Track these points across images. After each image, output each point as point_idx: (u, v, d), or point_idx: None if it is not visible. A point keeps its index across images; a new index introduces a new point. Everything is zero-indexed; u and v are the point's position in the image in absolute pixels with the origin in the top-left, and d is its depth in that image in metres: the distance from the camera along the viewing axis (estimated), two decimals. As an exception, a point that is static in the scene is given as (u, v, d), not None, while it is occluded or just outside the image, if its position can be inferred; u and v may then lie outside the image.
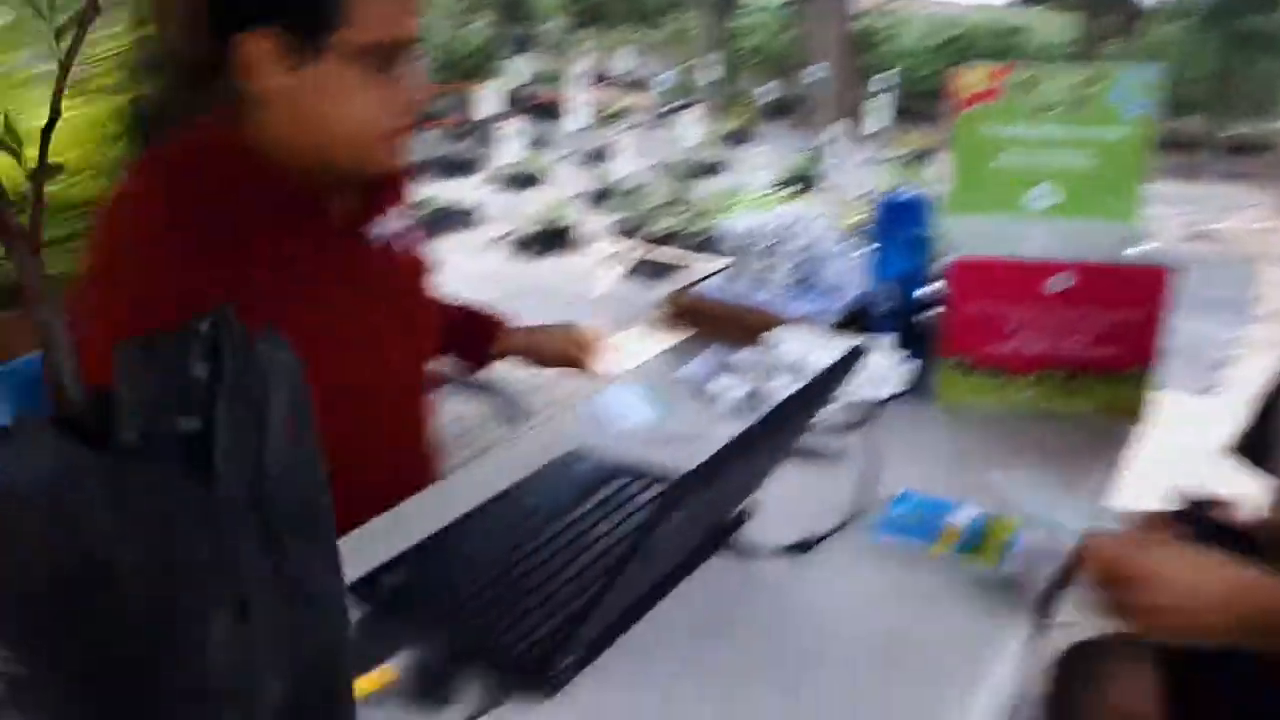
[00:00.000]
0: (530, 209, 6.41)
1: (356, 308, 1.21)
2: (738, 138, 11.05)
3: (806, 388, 0.95)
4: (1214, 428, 1.40)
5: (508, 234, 6.35)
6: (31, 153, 0.54)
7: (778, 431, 0.96)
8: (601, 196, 7.50)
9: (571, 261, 6.18)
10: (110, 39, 3.30)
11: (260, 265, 1.12)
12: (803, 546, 1.04)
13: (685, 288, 1.58)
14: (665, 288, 1.63)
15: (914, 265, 1.40)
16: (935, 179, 8.47)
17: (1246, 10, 10.89)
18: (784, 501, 1.10)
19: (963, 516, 1.10)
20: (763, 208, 7.19)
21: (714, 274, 1.59)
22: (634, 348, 1.55)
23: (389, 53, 1.10)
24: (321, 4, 1.06)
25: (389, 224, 1.29)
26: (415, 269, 1.32)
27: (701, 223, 7.30)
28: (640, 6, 16.27)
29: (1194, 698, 1.12)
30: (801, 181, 8.51)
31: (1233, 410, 1.35)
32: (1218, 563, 0.91)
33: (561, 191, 7.38)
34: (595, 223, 6.80)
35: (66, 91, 0.58)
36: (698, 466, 0.78)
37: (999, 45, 13.27)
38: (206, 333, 0.53)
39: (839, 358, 0.97)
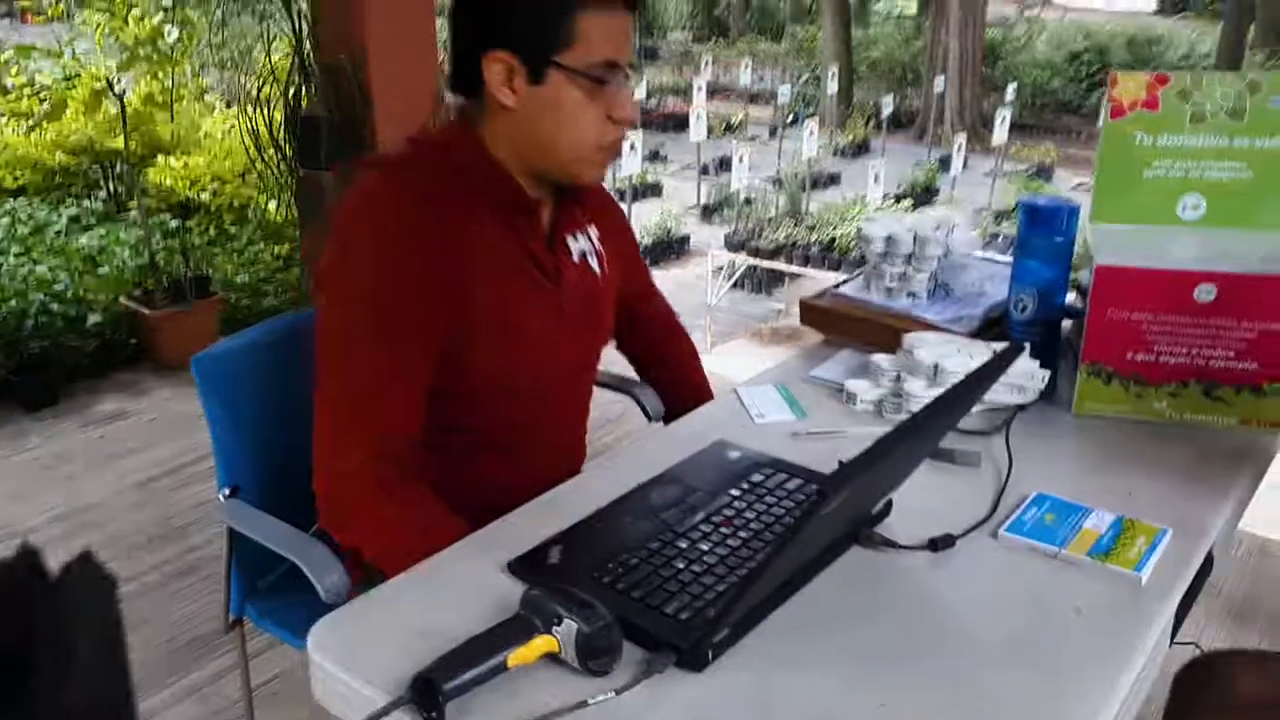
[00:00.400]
0: (648, 219, 6.51)
1: (546, 306, 1.32)
2: (857, 149, 10.95)
3: (959, 386, 0.99)
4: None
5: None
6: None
7: (928, 429, 1.00)
8: (718, 208, 7.56)
9: (685, 271, 6.26)
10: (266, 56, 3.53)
11: (474, 256, 1.24)
12: (942, 543, 1.08)
13: (822, 292, 1.62)
14: (777, 299, 1.67)
15: (1054, 273, 1.41)
16: (1056, 193, 8.26)
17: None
18: (923, 499, 1.14)
19: (1098, 521, 1.11)
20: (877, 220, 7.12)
21: (849, 279, 1.63)
22: (741, 357, 1.60)
23: (605, 74, 1.22)
24: (546, 30, 1.19)
25: (584, 239, 1.41)
26: (597, 281, 1.42)
27: (816, 234, 7.28)
28: (765, 19, 16.27)
29: None
30: (921, 194, 8.40)
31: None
32: None
33: (680, 202, 7.46)
34: (709, 233, 6.86)
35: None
36: (856, 458, 0.83)
37: (1135, 56, 12.81)
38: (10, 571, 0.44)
39: (994, 358, 1.00)
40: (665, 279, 6.03)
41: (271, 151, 3.37)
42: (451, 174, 1.27)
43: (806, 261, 7.02)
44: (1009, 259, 1.69)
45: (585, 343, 1.43)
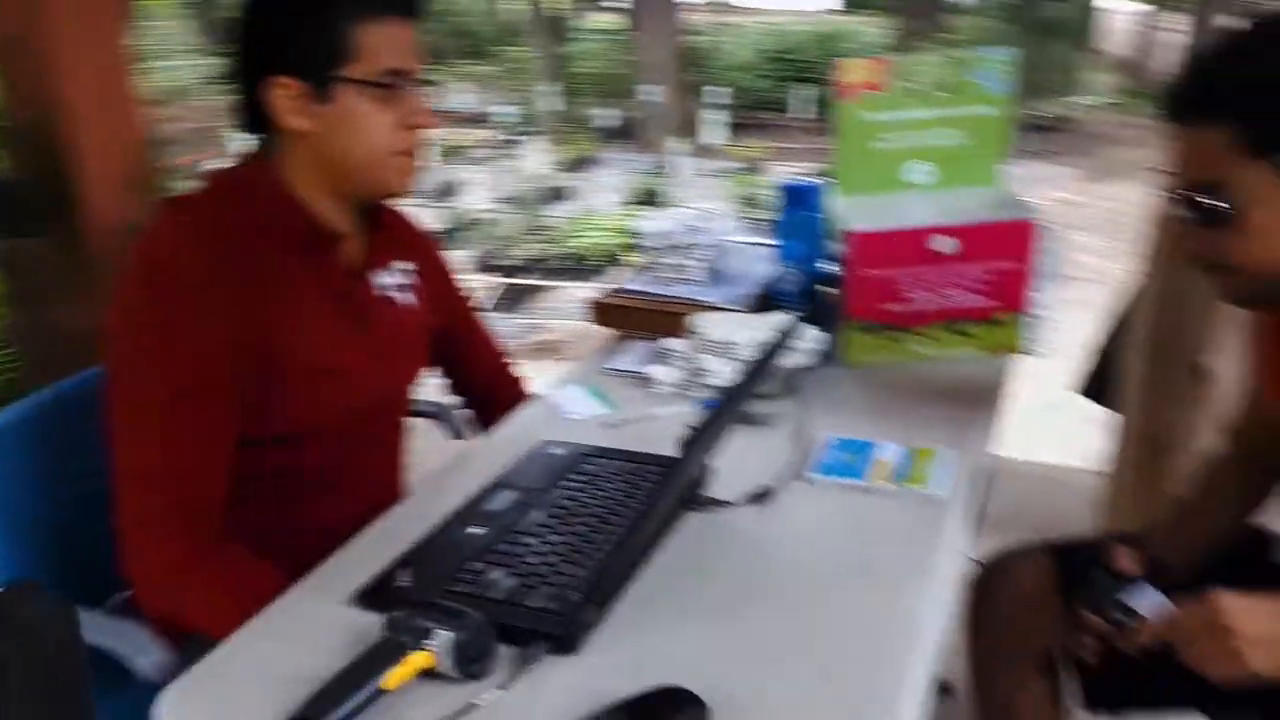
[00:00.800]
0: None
1: (355, 343, 1.29)
2: (582, 163, 11.22)
3: (757, 362, 1.09)
4: (1049, 384, 1.59)
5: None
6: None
7: (739, 397, 1.09)
8: (453, 231, 7.53)
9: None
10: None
11: (273, 296, 1.20)
12: (763, 495, 1.17)
13: (608, 290, 1.69)
14: (530, 315, 1.72)
15: (814, 245, 1.55)
16: (770, 187, 8.85)
17: (1041, 1, 11.85)
18: (737, 461, 1.23)
19: (889, 453, 1.25)
20: (617, 229, 7.37)
21: (633, 275, 1.72)
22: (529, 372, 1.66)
23: (394, 83, 1.20)
24: (325, 47, 1.17)
25: (395, 273, 1.38)
26: (408, 314, 1.40)
27: (557, 248, 7.43)
28: (473, 42, 16.33)
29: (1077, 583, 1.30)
30: (649, 200, 8.74)
31: (1067, 363, 1.52)
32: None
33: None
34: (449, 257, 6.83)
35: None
36: (690, 437, 0.90)
37: (824, 51, 13.89)
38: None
39: (781, 329, 1.11)
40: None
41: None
42: (245, 211, 1.22)
43: (554, 274, 7.15)
44: (766, 242, 1.83)
45: (398, 377, 1.42)
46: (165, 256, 1.17)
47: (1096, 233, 7.98)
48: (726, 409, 1.02)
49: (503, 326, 5.69)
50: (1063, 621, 1.30)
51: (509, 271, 6.67)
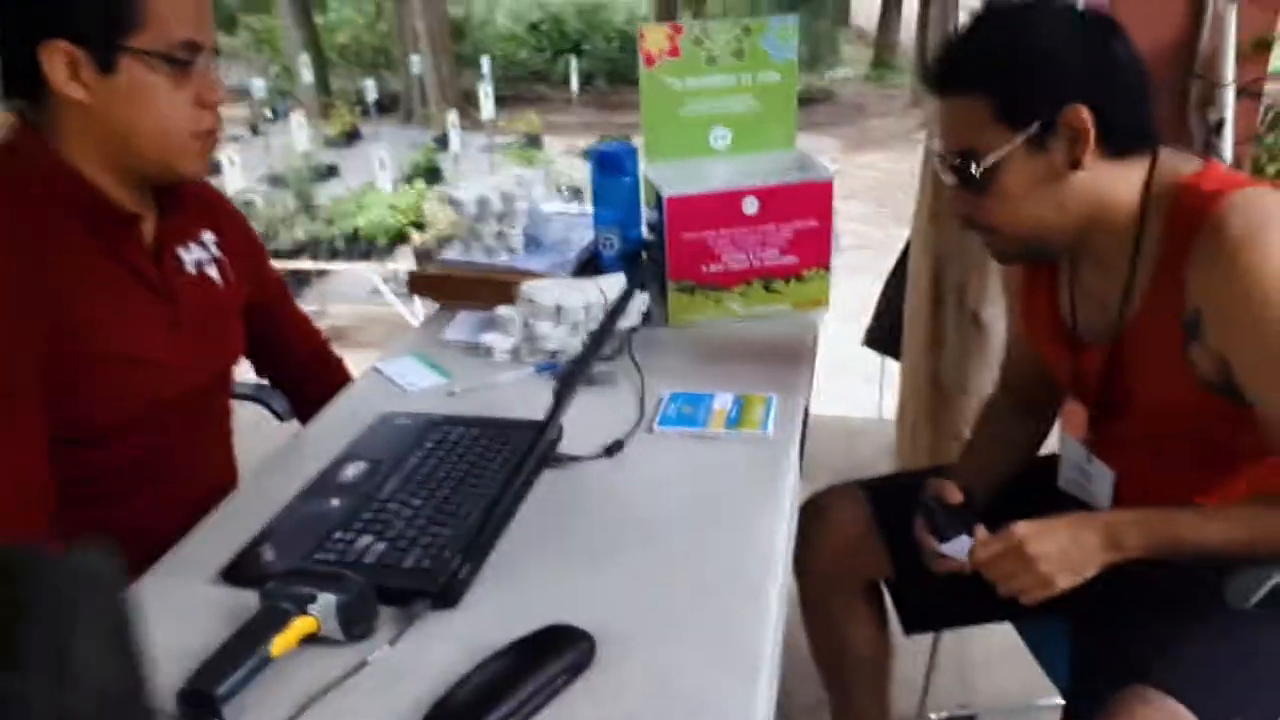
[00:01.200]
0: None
1: (159, 326, 1.22)
2: (348, 138, 10.85)
3: (602, 324, 1.15)
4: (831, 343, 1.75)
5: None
6: None
7: (586, 361, 1.14)
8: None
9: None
10: None
11: (64, 280, 1.11)
12: (614, 448, 1.24)
13: (427, 261, 1.69)
14: (309, 301, 1.70)
15: (629, 210, 1.62)
16: (547, 160, 8.89)
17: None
18: (585, 419, 1.29)
19: (722, 402, 1.35)
20: (400, 205, 7.20)
21: (450, 246, 1.73)
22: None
23: (185, 56, 1.12)
24: (111, 12, 1.07)
25: (198, 248, 1.31)
26: (219, 293, 1.33)
27: (332, 229, 7.17)
28: (218, 12, 15.34)
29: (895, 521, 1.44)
30: (428, 174, 8.58)
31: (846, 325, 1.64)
32: (1069, 522, 1.15)
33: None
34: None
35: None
36: (561, 386, 0.95)
37: (586, 23, 14.05)
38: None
39: (618, 299, 1.17)
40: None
41: None
42: (21, 188, 1.12)
43: (334, 256, 6.90)
44: (578, 209, 1.89)
45: (212, 361, 1.34)
46: None
47: (858, 200, 8.55)
48: (579, 369, 1.07)
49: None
50: (884, 554, 1.44)
51: (285, 254, 6.38)
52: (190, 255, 1.30)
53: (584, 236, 1.73)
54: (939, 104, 1.19)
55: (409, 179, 8.33)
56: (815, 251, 1.61)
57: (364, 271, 6.15)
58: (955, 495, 1.33)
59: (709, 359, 1.51)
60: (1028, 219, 1.17)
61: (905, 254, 2.53)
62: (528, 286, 1.51)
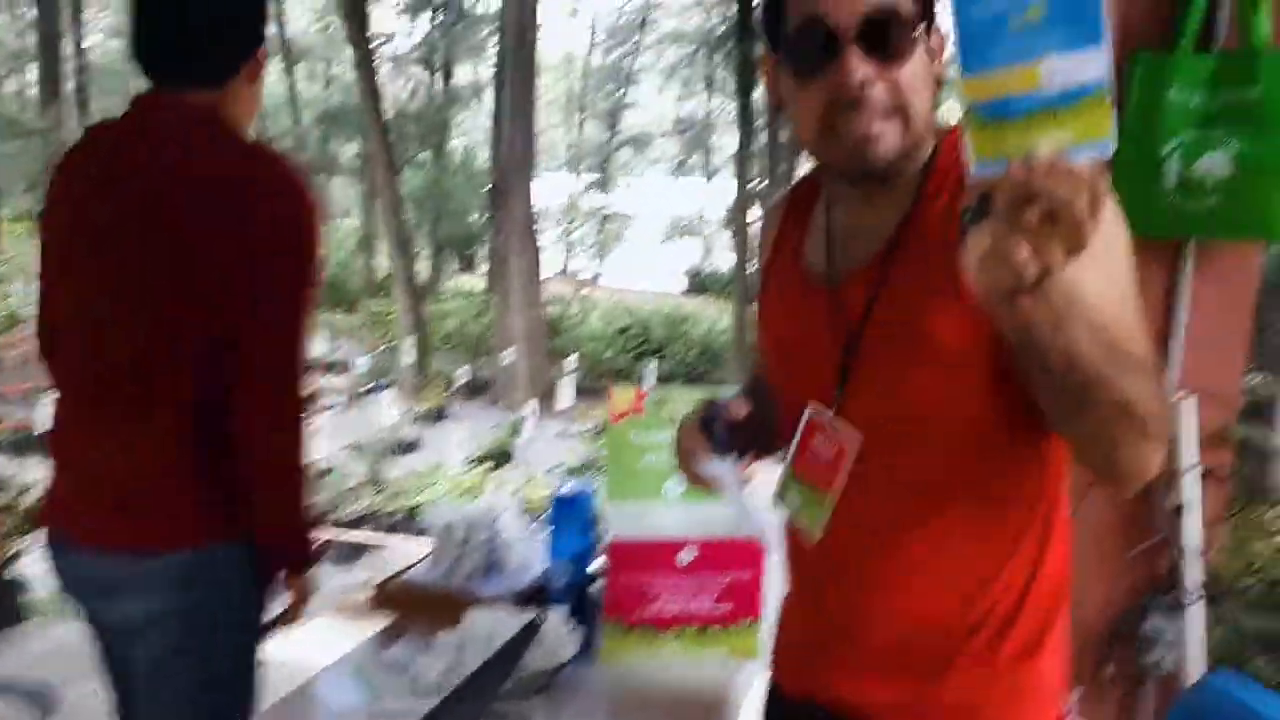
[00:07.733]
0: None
1: None
2: (435, 415, 11.38)
3: (487, 663, 1.22)
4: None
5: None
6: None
7: (470, 703, 1.20)
8: (298, 480, 7.43)
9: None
10: None
11: None
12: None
13: (392, 576, 1.81)
14: (360, 571, 1.82)
15: (583, 545, 1.72)
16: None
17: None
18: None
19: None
20: (460, 486, 7.45)
21: (418, 562, 1.84)
22: (327, 634, 1.73)
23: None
24: None
25: None
26: None
27: (398, 502, 7.40)
28: (339, 292, 16.77)
29: None
30: (499, 456, 8.90)
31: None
32: None
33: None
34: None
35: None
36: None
37: (670, 331, 14.97)
38: None
39: (515, 633, 1.25)
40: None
41: None
42: None
43: (391, 530, 7.08)
44: (541, 537, 2.00)
45: None
46: None
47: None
48: (451, 711, 1.14)
49: (329, 582, 5.59)
50: None
51: (344, 524, 6.59)
52: None
53: (540, 565, 1.83)
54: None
55: (482, 459, 8.64)
56: (749, 604, 1.67)
57: (409, 547, 6.28)
58: (743, 414, 1.24)
59: (631, 704, 1.55)
60: (924, 111, 1.05)
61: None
62: (469, 615, 1.59)
